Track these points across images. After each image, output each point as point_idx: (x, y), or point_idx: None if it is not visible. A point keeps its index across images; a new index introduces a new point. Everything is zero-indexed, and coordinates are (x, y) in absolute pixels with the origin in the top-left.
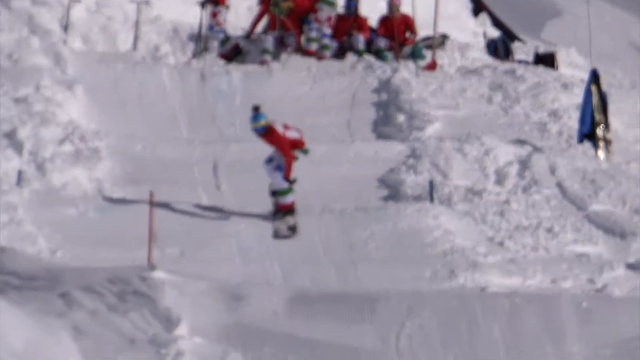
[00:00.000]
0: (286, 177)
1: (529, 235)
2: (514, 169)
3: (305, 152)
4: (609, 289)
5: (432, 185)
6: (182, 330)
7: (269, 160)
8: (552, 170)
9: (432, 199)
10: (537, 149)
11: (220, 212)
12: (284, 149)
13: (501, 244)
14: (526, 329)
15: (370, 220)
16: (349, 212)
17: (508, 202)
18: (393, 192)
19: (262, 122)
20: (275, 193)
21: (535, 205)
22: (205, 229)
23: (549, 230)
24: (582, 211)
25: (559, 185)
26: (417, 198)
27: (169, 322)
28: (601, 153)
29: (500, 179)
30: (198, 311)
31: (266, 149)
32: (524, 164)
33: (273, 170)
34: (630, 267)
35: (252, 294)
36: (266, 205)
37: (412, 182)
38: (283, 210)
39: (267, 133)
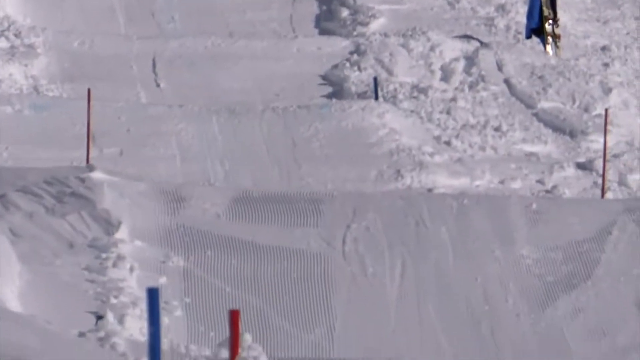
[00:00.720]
0: None
1: (477, 134)
2: (460, 66)
3: None
4: (559, 190)
5: (376, 82)
6: (122, 233)
7: None
8: (500, 67)
9: (376, 97)
10: (484, 45)
11: (159, 110)
12: None
13: (448, 143)
14: (474, 231)
15: (314, 118)
16: (291, 109)
17: (455, 99)
18: (337, 89)
19: None
20: None
21: (482, 103)
22: (145, 127)
23: (497, 128)
24: (531, 109)
25: (507, 82)
26: (362, 95)
27: (109, 224)
28: (550, 48)
29: (446, 75)
30: (138, 213)
31: (205, 45)
32: (471, 60)
33: None
34: (581, 166)
35: (193, 195)
36: (207, 101)
37: (356, 78)
38: None
39: None
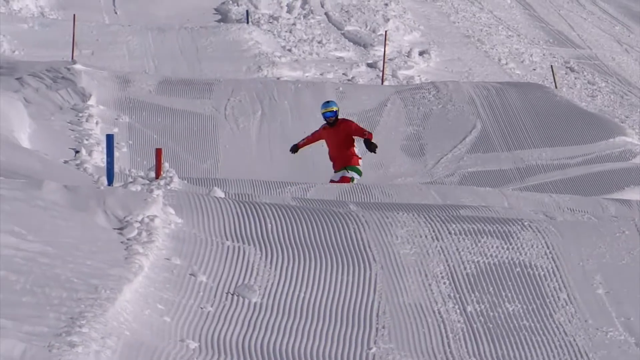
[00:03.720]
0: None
1: (307, 45)
2: (298, 3)
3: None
4: (356, 79)
5: (248, 13)
6: (92, 101)
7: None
8: (322, 5)
9: (248, 22)
10: None
11: (116, 28)
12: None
13: (290, 50)
14: (305, 103)
15: (210, 34)
16: (196, 28)
17: (294, 24)
18: (224, 17)
19: (334, 107)
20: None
21: (311, 27)
22: (107, 38)
23: (320, 42)
24: (340, 30)
25: (327, 14)
26: (239, 21)
27: (84, 96)
28: None
29: (290, 9)
30: (102, 90)
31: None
32: (305, 0)
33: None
34: (370, 65)
35: (135, 79)
36: (146, 23)
37: (236, 11)
38: None
39: (338, 120)
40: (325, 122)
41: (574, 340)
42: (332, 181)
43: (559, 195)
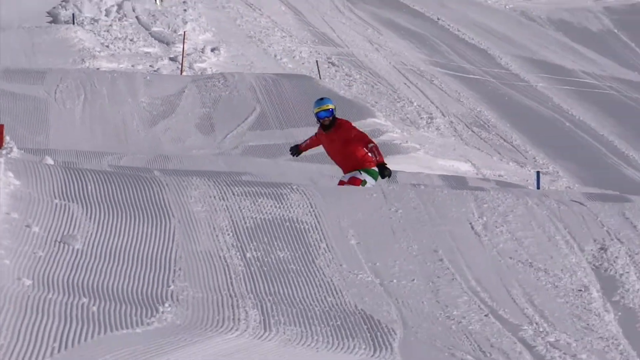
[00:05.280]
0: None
1: (122, 42)
2: (114, 8)
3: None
4: (160, 70)
5: (74, 16)
6: None
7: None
8: (134, 9)
9: (74, 23)
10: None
11: None
12: (365, 137)
13: (108, 46)
14: (119, 90)
15: (43, 32)
16: (32, 28)
17: (111, 25)
18: (55, 18)
19: (330, 105)
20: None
21: (125, 27)
22: None
23: (131, 40)
24: (148, 30)
25: (137, 17)
26: (67, 22)
27: None
28: (158, 2)
29: (107, 13)
30: None
31: None
32: (120, 6)
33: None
34: (171, 59)
35: None
36: None
37: (64, 14)
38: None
39: (336, 123)
40: (318, 123)
41: (332, 280)
42: (341, 182)
43: (323, 165)
